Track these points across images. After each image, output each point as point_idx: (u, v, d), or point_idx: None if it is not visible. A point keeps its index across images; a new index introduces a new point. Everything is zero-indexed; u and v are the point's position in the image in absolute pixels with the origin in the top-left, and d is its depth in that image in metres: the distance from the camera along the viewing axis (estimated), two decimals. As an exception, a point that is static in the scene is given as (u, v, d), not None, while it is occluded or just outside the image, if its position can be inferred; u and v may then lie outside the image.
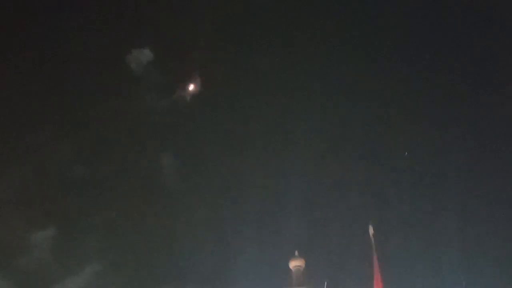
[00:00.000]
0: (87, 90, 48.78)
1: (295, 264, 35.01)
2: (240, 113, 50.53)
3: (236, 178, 51.70)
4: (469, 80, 46.39)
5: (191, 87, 47.37)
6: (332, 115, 50.69)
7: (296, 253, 35.23)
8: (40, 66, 46.16)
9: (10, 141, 44.49)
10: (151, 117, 49.09)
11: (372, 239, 16.24)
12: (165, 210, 49.11)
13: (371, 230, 16.27)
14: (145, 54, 44.12)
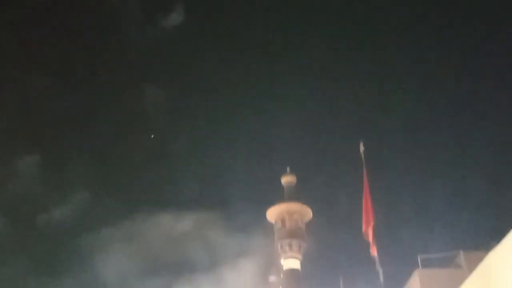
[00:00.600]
0: (69, 26, 47.63)
1: (286, 180, 35.90)
2: (228, 37, 49.80)
3: (227, 99, 51.83)
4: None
5: (174, 17, 46.26)
6: (326, 35, 50.12)
7: (288, 169, 36.11)
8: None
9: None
10: (135, 48, 48.33)
11: (362, 156, 16.76)
12: (152, 139, 49.51)
13: (361, 147, 16.72)
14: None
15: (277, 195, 35.03)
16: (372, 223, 15.78)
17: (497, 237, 12.43)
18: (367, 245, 15.69)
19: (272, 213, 34.00)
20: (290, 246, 32.69)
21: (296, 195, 34.55)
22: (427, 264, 19.67)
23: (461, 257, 19.22)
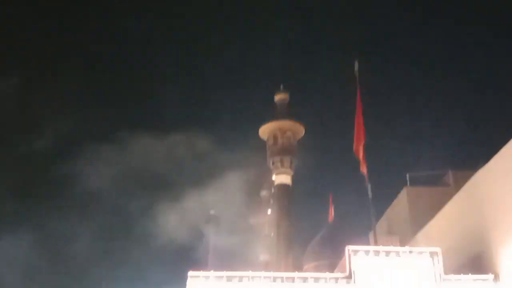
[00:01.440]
0: None
1: (279, 97, 35.74)
2: None
3: (218, 15, 50.37)
4: None
5: None
6: None
7: (281, 87, 35.87)
8: None
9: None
10: None
11: (357, 74, 16.51)
12: (140, 57, 48.28)
13: (356, 66, 16.44)
14: None
15: (269, 113, 35.05)
16: (363, 141, 15.81)
17: (485, 157, 12.58)
18: (357, 163, 15.82)
19: (265, 130, 34.14)
20: (281, 162, 33.10)
21: (288, 112, 34.55)
22: (415, 182, 20.06)
23: (449, 175, 19.57)
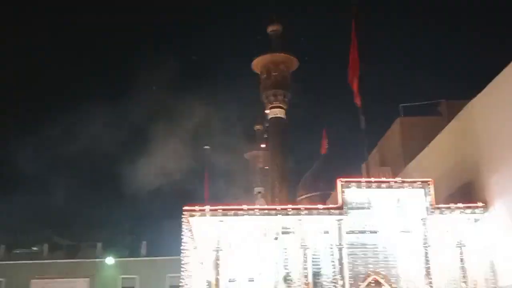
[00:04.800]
0: None
1: (272, 29, 35.05)
2: None
3: None
4: None
5: None
6: None
7: (274, 17, 35.08)
8: None
9: None
10: None
11: (352, 4, 16.08)
12: None
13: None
14: None
15: (263, 45, 34.46)
16: (357, 73, 15.67)
17: (479, 86, 12.50)
18: (351, 95, 15.74)
19: (257, 64, 33.68)
20: (275, 96, 32.90)
21: (282, 45, 33.99)
22: (409, 113, 20.05)
23: (443, 105, 19.53)
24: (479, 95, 12.58)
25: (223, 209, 11.89)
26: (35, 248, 36.19)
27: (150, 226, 37.79)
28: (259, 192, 35.16)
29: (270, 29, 34.79)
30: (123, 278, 34.62)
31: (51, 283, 32.60)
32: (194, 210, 11.85)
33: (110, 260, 34.30)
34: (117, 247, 36.21)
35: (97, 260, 34.77)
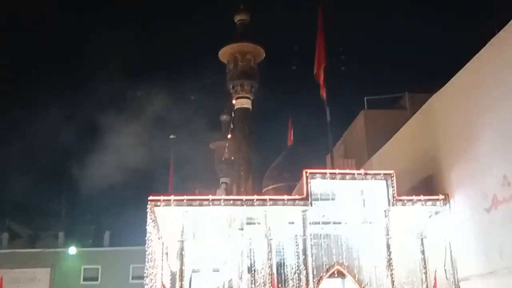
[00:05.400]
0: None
1: (240, 18, 34.94)
2: None
3: None
4: None
5: None
6: None
7: (241, 6, 34.99)
8: None
9: None
10: None
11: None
12: None
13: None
14: None
15: (230, 34, 34.30)
16: (323, 65, 15.76)
17: (443, 80, 12.74)
18: (317, 87, 15.83)
19: (225, 53, 33.59)
20: (242, 86, 32.91)
21: (249, 34, 33.94)
22: (374, 106, 20.33)
23: (406, 98, 19.87)
24: (441, 90, 12.83)
25: (188, 199, 11.82)
26: (-6, 237, 35.40)
27: (113, 216, 37.40)
28: (224, 183, 35.14)
29: (237, 18, 34.72)
30: (85, 268, 34.20)
31: (11, 273, 31.92)
32: (158, 200, 11.74)
33: (72, 250, 33.81)
34: (79, 237, 35.73)
35: (58, 250, 34.23)
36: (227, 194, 20.43)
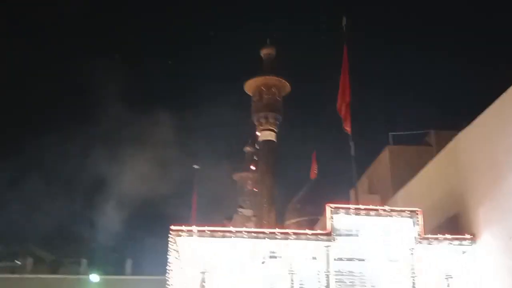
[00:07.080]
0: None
1: (266, 52, 35.38)
2: None
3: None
4: None
5: None
6: None
7: (268, 41, 35.47)
8: None
9: None
10: None
11: (344, 30, 16.33)
12: None
13: (343, 21, 16.24)
14: None
15: (255, 68, 34.73)
16: (348, 100, 15.80)
17: (469, 118, 12.66)
18: (342, 122, 15.85)
19: (250, 86, 33.94)
20: (266, 118, 33.09)
21: (274, 68, 34.30)
22: (398, 142, 20.25)
23: (432, 135, 19.75)
24: (467, 128, 12.75)
25: (211, 230, 11.81)
26: (18, 262, 35.70)
27: (136, 244, 37.49)
28: (240, 211, 35.11)
29: (264, 51, 35.17)
30: (107, 296, 34.19)
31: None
32: (181, 230, 11.76)
33: (94, 278, 33.87)
34: (101, 264, 35.82)
35: (81, 276, 34.34)
36: (249, 226, 20.39)
